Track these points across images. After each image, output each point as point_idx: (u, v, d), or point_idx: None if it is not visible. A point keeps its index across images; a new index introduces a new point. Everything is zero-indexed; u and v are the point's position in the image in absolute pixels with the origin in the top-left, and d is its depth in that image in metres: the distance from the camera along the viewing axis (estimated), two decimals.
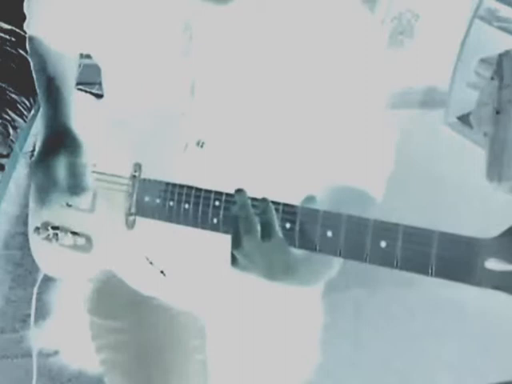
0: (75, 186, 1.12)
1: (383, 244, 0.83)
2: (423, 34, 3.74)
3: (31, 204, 1.32)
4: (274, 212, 0.91)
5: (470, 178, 3.11)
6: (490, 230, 0.79)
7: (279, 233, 0.91)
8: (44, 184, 1.14)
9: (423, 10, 3.70)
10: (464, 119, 3.61)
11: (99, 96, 1.31)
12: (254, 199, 0.94)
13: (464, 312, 2.33)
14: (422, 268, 0.80)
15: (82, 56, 1.33)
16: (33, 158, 1.18)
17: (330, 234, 0.87)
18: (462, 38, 3.59)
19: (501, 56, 3.27)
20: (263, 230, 0.91)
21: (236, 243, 0.94)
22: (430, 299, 2.36)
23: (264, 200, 0.92)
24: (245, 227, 0.92)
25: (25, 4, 1.31)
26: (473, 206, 2.76)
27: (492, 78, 3.29)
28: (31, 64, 1.29)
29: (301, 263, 0.95)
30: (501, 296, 0.78)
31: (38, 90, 1.26)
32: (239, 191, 0.94)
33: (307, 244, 0.90)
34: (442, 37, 3.72)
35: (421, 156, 3.26)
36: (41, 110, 1.24)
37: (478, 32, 3.54)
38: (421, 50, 3.75)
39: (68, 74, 1.28)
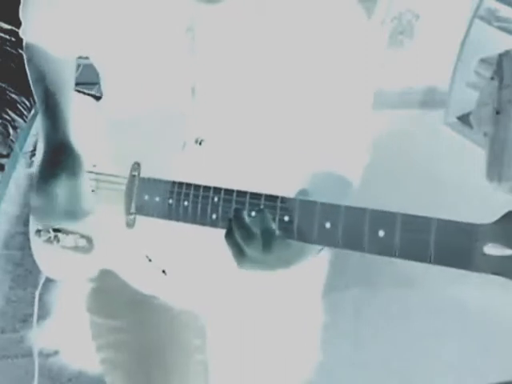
0: (74, 213, 1.14)
1: (381, 233, 0.83)
2: (423, 34, 3.74)
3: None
4: (270, 220, 0.92)
5: (469, 178, 3.12)
6: None
7: (278, 234, 0.92)
8: (43, 207, 1.15)
9: (423, 9, 3.70)
10: (464, 119, 3.61)
11: (98, 98, 1.31)
12: (253, 195, 0.94)
13: (464, 312, 2.33)
14: (420, 256, 0.80)
15: (81, 57, 1.32)
16: (35, 178, 1.17)
17: (328, 225, 0.88)
18: (462, 38, 3.59)
19: (501, 56, 3.27)
20: (264, 240, 0.92)
21: (238, 254, 0.94)
22: (430, 299, 2.37)
23: (260, 211, 0.93)
24: (245, 240, 0.93)
25: (20, 10, 1.30)
26: (473, 206, 2.76)
27: (492, 78, 3.30)
28: (28, 73, 1.28)
29: (295, 253, 0.96)
30: (501, 296, 0.78)
31: (36, 100, 1.25)
32: (238, 198, 0.95)
33: (306, 236, 0.90)
34: (442, 37, 3.72)
35: (421, 156, 3.27)
36: (39, 118, 1.24)
37: (477, 32, 3.55)
38: (421, 50, 3.75)
39: (66, 80, 1.27)
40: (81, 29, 1.21)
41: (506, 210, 0.74)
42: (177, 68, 1.14)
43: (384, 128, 1.33)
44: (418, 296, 2.37)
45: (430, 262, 0.80)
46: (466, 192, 2.96)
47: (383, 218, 0.83)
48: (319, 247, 1.00)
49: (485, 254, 0.75)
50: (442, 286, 2.04)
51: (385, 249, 0.83)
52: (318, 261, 1.28)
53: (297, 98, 1.13)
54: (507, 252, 0.74)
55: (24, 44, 1.31)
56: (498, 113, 3.20)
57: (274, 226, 0.92)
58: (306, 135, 1.15)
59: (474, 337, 2.25)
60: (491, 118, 3.23)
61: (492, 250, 0.75)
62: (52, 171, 1.14)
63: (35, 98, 1.25)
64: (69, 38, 1.24)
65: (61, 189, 1.12)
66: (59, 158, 1.15)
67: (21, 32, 1.31)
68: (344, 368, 2.01)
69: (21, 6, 1.29)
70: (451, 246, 0.78)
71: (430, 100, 3.84)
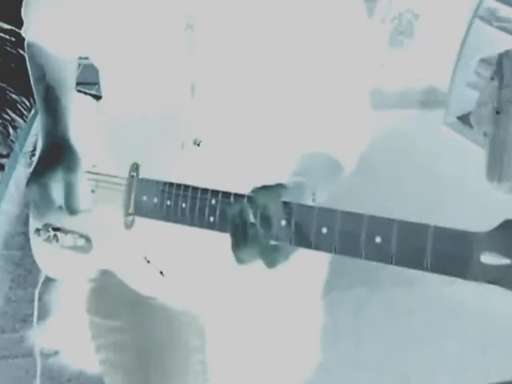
0: (70, 207, 1.12)
1: (378, 239, 0.82)
2: (423, 34, 3.74)
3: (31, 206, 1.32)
4: (272, 218, 0.91)
5: (469, 177, 3.12)
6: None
7: (278, 232, 0.91)
8: (39, 201, 1.14)
9: (423, 9, 3.70)
10: (464, 119, 3.62)
11: (98, 97, 1.31)
12: (250, 198, 0.94)
13: (464, 312, 2.33)
14: (417, 263, 0.79)
15: (81, 57, 1.33)
16: (30, 170, 1.17)
17: (325, 230, 0.87)
18: (462, 38, 3.60)
19: (501, 56, 3.27)
20: (264, 258, 0.91)
21: (237, 247, 0.94)
22: (431, 299, 2.37)
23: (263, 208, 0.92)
24: (244, 234, 0.92)
25: (22, 9, 1.30)
26: (473, 206, 2.77)
27: (492, 78, 3.30)
28: (29, 72, 1.28)
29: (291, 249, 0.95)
30: (500, 296, 0.78)
31: (36, 98, 1.25)
32: (236, 200, 0.94)
33: (303, 241, 0.90)
34: (441, 37, 3.72)
35: (421, 156, 3.27)
36: (39, 117, 1.24)
37: (477, 32, 3.55)
38: (421, 50, 3.75)
39: (67, 79, 1.27)
40: (82, 28, 1.21)
41: (503, 219, 0.73)
42: (176, 66, 1.13)
43: (384, 128, 1.33)
44: (418, 295, 2.38)
45: (426, 269, 0.79)
46: (465, 192, 2.96)
47: (380, 224, 0.83)
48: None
49: (482, 263, 0.74)
50: (442, 286, 2.04)
51: (381, 255, 0.82)
52: (318, 260, 1.28)
53: (297, 97, 1.13)
54: (504, 261, 0.73)
55: (26, 43, 1.31)
56: (498, 113, 3.20)
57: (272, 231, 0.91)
58: (306, 137, 1.15)
59: (474, 336, 2.25)
60: (491, 118, 3.24)
61: (489, 258, 0.74)
62: (50, 164, 1.14)
63: (36, 96, 1.26)
64: (70, 37, 1.25)
65: (57, 182, 1.12)
66: (58, 153, 1.15)
67: (23, 31, 1.31)
68: (344, 367, 2.02)
69: (23, 5, 1.30)
70: (448, 253, 0.77)
71: (430, 100, 3.84)
